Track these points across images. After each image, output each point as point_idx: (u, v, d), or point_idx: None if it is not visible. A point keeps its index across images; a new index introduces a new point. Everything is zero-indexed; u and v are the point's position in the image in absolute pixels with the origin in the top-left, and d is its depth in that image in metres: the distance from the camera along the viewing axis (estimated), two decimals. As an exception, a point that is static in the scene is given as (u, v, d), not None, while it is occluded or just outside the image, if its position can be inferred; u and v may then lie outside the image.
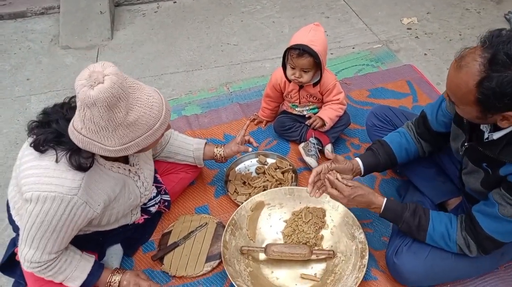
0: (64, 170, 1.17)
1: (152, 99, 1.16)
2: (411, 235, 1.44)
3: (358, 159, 1.58)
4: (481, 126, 1.27)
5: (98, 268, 1.40)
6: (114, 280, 1.42)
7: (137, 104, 1.11)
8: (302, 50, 1.75)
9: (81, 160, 1.17)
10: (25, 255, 1.25)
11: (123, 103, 1.07)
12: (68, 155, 1.16)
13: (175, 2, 3.46)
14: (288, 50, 1.81)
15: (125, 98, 1.08)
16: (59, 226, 1.20)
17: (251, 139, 1.78)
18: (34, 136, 1.19)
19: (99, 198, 1.27)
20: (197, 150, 1.71)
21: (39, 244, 1.23)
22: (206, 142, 1.75)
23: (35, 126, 1.22)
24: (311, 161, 1.93)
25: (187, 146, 1.71)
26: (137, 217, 1.58)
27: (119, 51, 2.90)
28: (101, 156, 1.26)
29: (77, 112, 1.11)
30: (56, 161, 1.16)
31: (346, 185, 1.42)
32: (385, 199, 1.44)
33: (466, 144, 1.34)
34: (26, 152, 1.22)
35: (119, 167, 1.35)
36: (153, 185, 1.67)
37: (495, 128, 1.20)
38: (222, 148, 1.74)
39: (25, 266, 1.28)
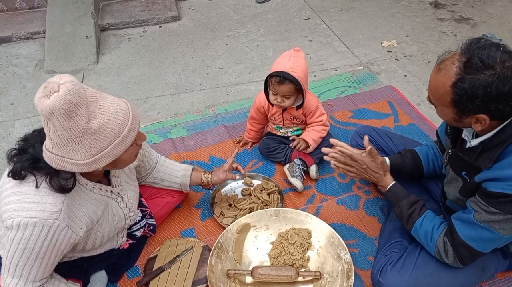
0: (44, 195, 1.16)
1: (116, 106, 1.13)
2: (401, 222, 1.51)
3: (386, 157, 1.65)
4: (463, 135, 1.34)
5: None
6: None
7: (100, 111, 1.09)
8: (282, 77, 1.79)
9: (62, 182, 1.16)
10: (8, 285, 1.22)
11: (83, 110, 1.05)
12: (47, 178, 1.16)
13: (161, 26, 3.51)
14: (269, 77, 1.85)
15: (84, 105, 1.06)
16: (42, 252, 1.19)
17: (239, 167, 1.79)
18: (12, 165, 1.19)
19: (81, 221, 1.25)
20: (183, 176, 1.72)
21: (22, 272, 1.20)
22: (193, 168, 1.75)
23: (14, 154, 1.21)
24: (296, 182, 1.94)
25: (174, 172, 1.71)
26: (123, 241, 1.56)
27: (105, 75, 2.92)
28: (82, 176, 1.26)
29: (44, 130, 1.11)
30: (36, 186, 1.16)
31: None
32: (393, 182, 1.53)
33: (449, 151, 1.42)
34: (6, 179, 1.21)
35: (100, 189, 1.34)
36: (138, 209, 1.66)
37: (476, 136, 1.28)
38: (210, 174, 1.75)
39: None
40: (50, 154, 1.12)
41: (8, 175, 1.18)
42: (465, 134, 1.33)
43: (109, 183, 1.41)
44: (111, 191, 1.39)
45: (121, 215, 1.45)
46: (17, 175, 1.17)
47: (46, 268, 1.24)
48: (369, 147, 1.53)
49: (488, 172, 1.21)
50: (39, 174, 1.17)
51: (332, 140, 1.60)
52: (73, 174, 1.19)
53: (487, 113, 1.13)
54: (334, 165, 1.60)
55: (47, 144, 1.13)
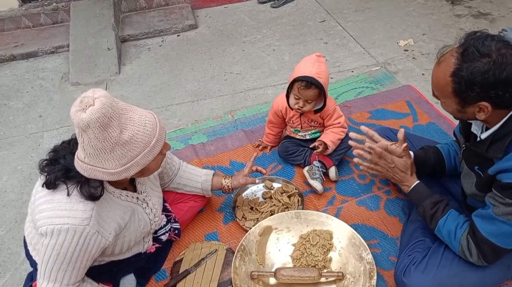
0: (76, 202, 1.22)
1: (145, 117, 1.20)
2: (424, 221, 1.52)
3: (410, 151, 1.63)
4: (472, 129, 1.37)
5: None
6: None
7: (130, 123, 1.16)
8: (309, 82, 1.82)
9: (91, 190, 1.22)
10: None
11: (116, 122, 1.12)
12: (78, 187, 1.22)
13: (179, 35, 3.60)
14: (294, 81, 1.87)
15: (117, 118, 1.13)
16: (74, 256, 1.25)
17: (259, 168, 1.83)
18: (45, 175, 1.26)
19: (110, 226, 1.32)
20: (205, 181, 1.77)
21: (57, 277, 1.27)
22: (214, 173, 1.80)
23: (45, 164, 1.28)
24: (316, 184, 1.97)
25: (196, 178, 1.77)
26: (149, 245, 1.62)
27: (127, 85, 3.01)
28: (110, 184, 1.32)
29: (78, 141, 1.17)
30: (68, 195, 1.22)
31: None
32: (417, 181, 1.53)
33: (463, 145, 1.44)
34: (39, 189, 1.28)
35: (127, 195, 1.40)
36: (163, 214, 1.72)
37: (486, 130, 1.31)
38: (230, 179, 1.79)
39: None
40: (82, 163, 1.19)
41: (42, 186, 1.26)
42: (474, 128, 1.36)
43: (134, 190, 1.47)
44: (137, 197, 1.45)
45: (147, 220, 1.51)
46: (51, 185, 1.24)
47: (79, 272, 1.30)
48: (404, 144, 1.53)
49: (500, 163, 1.23)
50: (70, 183, 1.23)
51: (363, 128, 1.60)
52: (101, 183, 1.26)
53: (488, 101, 1.17)
54: (358, 162, 1.60)
55: (79, 154, 1.20)
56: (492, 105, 1.18)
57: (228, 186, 1.78)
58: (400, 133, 1.54)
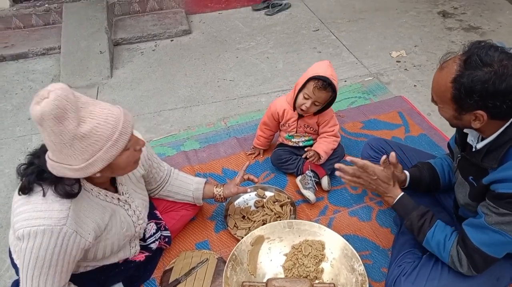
0: (51, 202, 1.19)
1: (107, 111, 1.16)
2: (411, 232, 1.51)
3: (406, 171, 1.66)
4: (468, 139, 1.38)
5: None
6: None
7: (90, 116, 1.12)
8: (327, 83, 1.83)
9: (66, 188, 1.19)
10: None
11: (72, 115, 1.08)
12: (53, 186, 1.19)
13: (172, 40, 3.59)
14: (310, 80, 1.87)
15: (74, 110, 1.09)
16: (54, 259, 1.21)
17: (251, 177, 1.81)
18: (21, 179, 1.22)
19: (89, 226, 1.28)
20: (196, 190, 1.75)
21: (39, 283, 1.23)
22: (206, 182, 1.78)
23: (23, 169, 1.24)
24: (309, 194, 1.97)
25: (187, 186, 1.75)
26: (136, 250, 1.59)
27: (119, 89, 2.98)
28: (87, 181, 1.29)
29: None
30: (44, 195, 1.19)
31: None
32: (402, 193, 1.53)
33: (459, 155, 1.45)
34: (18, 196, 1.24)
35: (106, 195, 1.37)
36: (152, 221, 1.70)
37: (482, 140, 1.33)
38: (222, 187, 1.78)
39: None
40: (51, 161, 1.16)
41: (18, 193, 1.22)
42: (470, 139, 1.38)
43: (116, 191, 1.44)
44: (118, 199, 1.42)
45: (129, 223, 1.47)
46: (26, 189, 1.21)
47: (61, 276, 1.27)
48: (383, 157, 1.55)
49: (495, 174, 1.24)
50: (45, 184, 1.20)
51: (348, 158, 1.61)
52: (77, 180, 1.22)
53: (485, 110, 1.18)
54: (340, 175, 1.59)
55: (48, 152, 1.17)
56: (489, 115, 1.20)
57: (219, 195, 1.77)
58: (392, 157, 1.58)
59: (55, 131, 1.08)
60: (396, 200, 1.53)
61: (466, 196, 1.41)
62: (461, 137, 1.45)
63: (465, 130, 1.38)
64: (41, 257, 1.19)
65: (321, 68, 1.88)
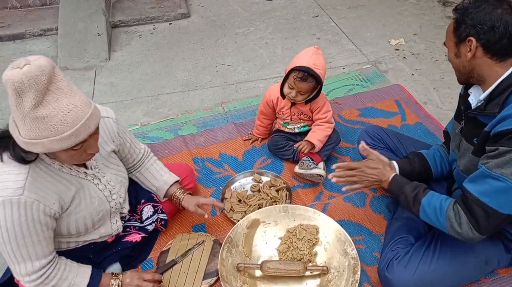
0: (7, 172, 1.20)
1: (73, 107, 1.13)
2: (408, 208, 1.48)
3: (394, 162, 1.66)
4: (469, 98, 1.41)
5: (97, 272, 1.44)
6: (114, 283, 1.46)
7: (52, 104, 1.10)
8: (306, 74, 1.83)
9: (19, 153, 1.18)
10: (20, 272, 1.27)
11: (33, 95, 1.06)
12: (11, 147, 1.19)
13: (171, 23, 3.56)
14: (291, 71, 1.88)
15: (37, 91, 1.07)
16: (24, 229, 1.22)
17: (216, 204, 1.75)
18: None
19: (52, 197, 1.28)
20: (158, 189, 1.73)
21: (22, 255, 1.25)
22: (175, 182, 1.74)
23: None
24: (319, 171, 1.99)
25: (154, 181, 1.72)
26: (118, 226, 1.58)
27: (117, 72, 2.97)
28: (46, 155, 1.28)
29: None
30: (1, 160, 1.20)
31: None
32: (394, 173, 1.55)
33: (462, 123, 1.47)
34: None
35: (70, 169, 1.35)
36: (150, 204, 1.72)
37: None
38: (184, 195, 1.71)
39: (27, 283, 1.29)
40: (11, 118, 1.16)
41: None
42: (471, 98, 1.41)
43: (83, 165, 1.42)
44: (85, 173, 1.41)
45: (101, 197, 1.46)
46: None
47: (42, 244, 1.27)
48: (359, 145, 1.65)
49: (496, 118, 1.26)
50: (2, 146, 1.21)
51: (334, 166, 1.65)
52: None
53: (475, 37, 1.26)
54: (337, 182, 1.61)
55: None
56: (481, 45, 1.26)
57: (179, 200, 1.71)
58: (360, 148, 1.65)
59: (12, 102, 1.08)
60: (390, 179, 1.53)
61: (470, 155, 1.38)
62: (464, 98, 1.47)
63: (470, 90, 1.41)
64: (10, 229, 1.20)
65: (304, 57, 1.86)
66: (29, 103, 1.07)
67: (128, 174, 1.68)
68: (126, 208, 1.64)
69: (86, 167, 1.42)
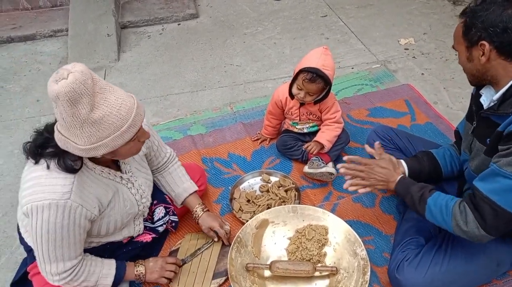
0: (54, 177, 1.22)
1: (122, 101, 1.17)
2: (414, 208, 1.46)
3: (402, 161, 1.65)
4: (481, 99, 1.39)
5: (121, 263, 1.49)
6: (140, 269, 1.54)
7: (104, 103, 1.14)
8: (315, 75, 1.83)
9: (68, 162, 1.21)
10: (51, 271, 1.30)
11: (86, 100, 1.10)
12: (56, 160, 1.21)
13: (179, 24, 3.57)
14: (300, 72, 1.88)
15: (89, 95, 1.10)
16: (65, 231, 1.25)
17: (221, 234, 1.71)
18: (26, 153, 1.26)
19: (93, 201, 1.32)
20: (177, 196, 1.72)
21: (56, 255, 1.28)
22: (194, 192, 1.74)
23: (30, 145, 1.26)
24: (329, 169, 1.98)
25: (174, 186, 1.72)
26: (140, 228, 1.61)
27: (126, 73, 2.99)
28: (90, 160, 1.31)
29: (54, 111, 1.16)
30: (48, 168, 1.22)
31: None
32: (401, 175, 1.54)
33: (474, 123, 1.44)
34: (24, 172, 1.27)
35: (109, 173, 1.39)
36: (161, 205, 1.72)
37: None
38: (203, 212, 1.71)
39: (56, 281, 1.33)
40: (58, 133, 1.18)
41: (27, 158, 1.25)
42: (483, 99, 1.39)
43: (118, 169, 1.46)
44: (121, 177, 1.44)
45: (133, 201, 1.50)
46: (31, 154, 1.23)
47: (76, 246, 1.31)
48: (377, 143, 1.63)
49: (510, 117, 1.24)
50: (49, 156, 1.23)
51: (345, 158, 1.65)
52: (80, 157, 1.24)
53: (488, 40, 1.23)
54: (345, 173, 1.60)
55: (57, 124, 1.19)
56: (494, 48, 1.24)
57: (197, 216, 1.71)
58: (376, 147, 1.64)
59: (68, 113, 1.11)
60: (397, 180, 1.52)
61: (482, 155, 1.36)
62: (475, 100, 1.45)
63: (482, 91, 1.38)
64: (51, 230, 1.23)
65: (312, 58, 1.85)
66: (85, 109, 1.10)
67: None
68: (147, 210, 1.66)
69: (121, 171, 1.46)
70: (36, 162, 1.24)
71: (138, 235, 1.64)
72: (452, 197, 1.37)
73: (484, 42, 1.24)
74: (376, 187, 1.58)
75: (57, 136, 1.19)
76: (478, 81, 1.38)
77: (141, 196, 1.53)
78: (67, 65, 1.12)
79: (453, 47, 1.39)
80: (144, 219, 1.67)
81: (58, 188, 1.21)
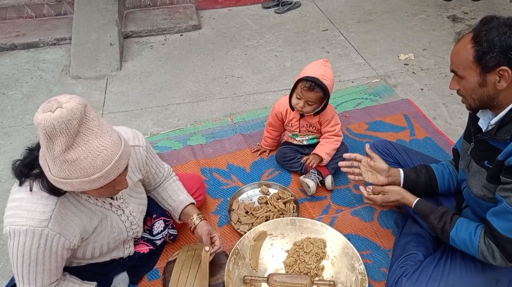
0: (35, 202, 1.20)
1: (103, 149, 1.11)
2: (436, 234, 1.50)
3: (400, 169, 1.68)
4: (479, 123, 1.38)
5: None
6: None
7: (82, 147, 1.08)
8: (314, 83, 1.85)
9: (52, 184, 1.17)
10: None
11: (64, 139, 1.04)
12: (40, 179, 1.19)
13: (182, 35, 3.61)
14: (299, 81, 1.90)
15: (68, 136, 1.04)
16: (40, 258, 1.23)
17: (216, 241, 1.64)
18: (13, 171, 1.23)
19: (74, 230, 1.29)
20: (173, 210, 1.69)
21: (29, 279, 1.26)
22: (190, 204, 1.69)
23: (18, 160, 1.24)
24: (308, 181, 1.99)
25: (170, 201, 1.69)
26: (130, 251, 1.60)
27: (127, 82, 3.01)
28: None
29: None
30: (30, 190, 1.20)
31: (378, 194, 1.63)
32: (417, 200, 1.54)
33: (471, 144, 1.44)
34: (12, 189, 1.26)
35: (97, 199, 1.35)
36: (161, 219, 1.70)
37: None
38: (200, 221, 1.63)
39: None
40: (41, 152, 1.15)
41: (12, 169, 1.23)
42: (481, 122, 1.38)
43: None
44: (110, 203, 1.41)
45: (122, 228, 1.47)
46: (17, 174, 1.21)
47: (51, 273, 1.29)
48: (366, 149, 1.70)
49: (510, 146, 1.23)
50: (33, 176, 1.21)
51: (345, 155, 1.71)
52: None
53: (507, 65, 1.19)
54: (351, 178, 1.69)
55: None
56: None
57: (193, 225, 1.64)
58: (369, 148, 1.71)
59: (44, 143, 1.08)
60: (413, 207, 1.54)
61: (484, 180, 1.36)
62: (473, 122, 1.45)
63: (478, 114, 1.38)
64: (26, 256, 1.22)
65: (312, 68, 1.89)
66: (60, 147, 1.05)
67: (146, 193, 1.68)
68: (140, 233, 1.64)
69: (112, 198, 1.42)
70: (21, 183, 1.22)
71: (135, 246, 1.63)
72: (474, 228, 1.37)
73: (505, 67, 1.19)
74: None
75: (40, 156, 1.16)
76: (481, 107, 1.35)
77: (131, 223, 1.50)
78: (65, 95, 1.08)
79: (453, 71, 1.32)
80: (142, 230, 1.66)
81: (36, 215, 1.19)
